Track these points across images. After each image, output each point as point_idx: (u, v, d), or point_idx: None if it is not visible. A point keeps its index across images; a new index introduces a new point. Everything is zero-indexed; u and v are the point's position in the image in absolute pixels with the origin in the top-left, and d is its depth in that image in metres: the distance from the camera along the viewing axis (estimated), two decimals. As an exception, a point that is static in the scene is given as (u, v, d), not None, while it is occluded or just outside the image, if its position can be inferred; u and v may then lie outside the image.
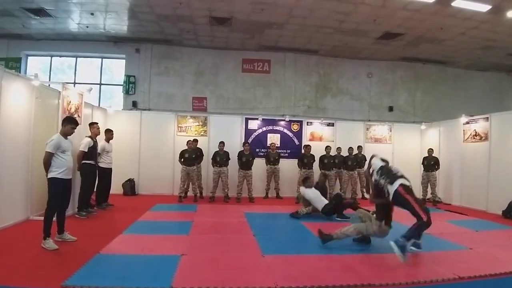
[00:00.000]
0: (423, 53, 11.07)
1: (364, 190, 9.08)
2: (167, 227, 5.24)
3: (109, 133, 6.71)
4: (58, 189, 3.97)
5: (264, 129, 9.47)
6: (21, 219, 4.98)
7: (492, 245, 4.56)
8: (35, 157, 5.24)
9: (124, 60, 11.16)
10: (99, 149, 6.23)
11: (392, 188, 3.78)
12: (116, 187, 7.63)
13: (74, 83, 10.86)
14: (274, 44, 10.82)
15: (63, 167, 3.99)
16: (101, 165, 6.35)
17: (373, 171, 4.20)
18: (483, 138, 7.81)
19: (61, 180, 3.98)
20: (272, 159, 8.60)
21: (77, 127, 4.33)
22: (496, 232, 5.53)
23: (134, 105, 10.87)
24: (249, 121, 9.43)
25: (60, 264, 3.39)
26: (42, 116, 5.38)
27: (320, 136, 9.62)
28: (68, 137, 4.17)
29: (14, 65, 10.45)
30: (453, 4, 7.54)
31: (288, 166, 9.06)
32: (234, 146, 8.80)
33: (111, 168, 6.64)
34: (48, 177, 3.96)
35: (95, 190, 6.25)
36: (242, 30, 9.73)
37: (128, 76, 10.98)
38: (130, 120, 9.01)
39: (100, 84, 11.42)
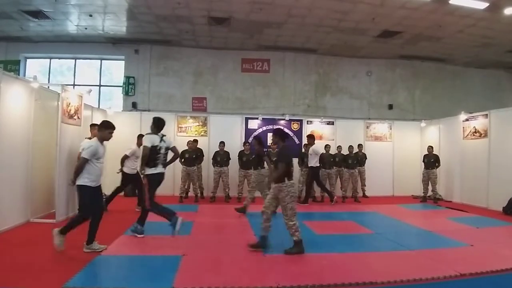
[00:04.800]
0: (421, 51, 11.06)
1: (365, 189, 9.09)
2: (168, 228, 5.22)
3: (141, 139, 5.91)
4: (90, 197, 3.83)
5: (264, 128, 9.47)
6: (21, 221, 4.98)
7: (493, 242, 4.58)
8: (35, 159, 5.25)
9: (123, 61, 11.14)
10: (128, 153, 6.21)
11: None
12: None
13: (74, 84, 10.84)
14: (273, 44, 10.81)
15: (94, 174, 3.85)
16: (125, 170, 6.27)
17: None
18: (483, 135, 7.82)
19: (92, 188, 3.85)
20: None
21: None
22: (496, 229, 5.55)
23: (134, 106, 10.86)
24: (249, 120, 9.43)
25: (62, 266, 3.40)
26: (41, 118, 5.38)
27: (320, 134, 9.60)
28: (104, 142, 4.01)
29: (13, 67, 10.43)
30: (450, 2, 7.53)
31: (289, 165, 9.04)
32: (235, 146, 8.80)
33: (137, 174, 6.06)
34: (78, 184, 3.82)
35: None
36: (241, 30, 9.72)
37: (127, 77, 10.97)
38: (130, 121, 8.97)
39: (100, 85, 11.41)
